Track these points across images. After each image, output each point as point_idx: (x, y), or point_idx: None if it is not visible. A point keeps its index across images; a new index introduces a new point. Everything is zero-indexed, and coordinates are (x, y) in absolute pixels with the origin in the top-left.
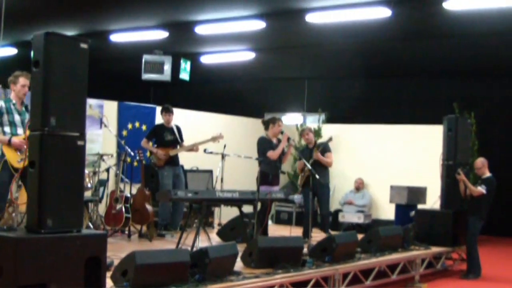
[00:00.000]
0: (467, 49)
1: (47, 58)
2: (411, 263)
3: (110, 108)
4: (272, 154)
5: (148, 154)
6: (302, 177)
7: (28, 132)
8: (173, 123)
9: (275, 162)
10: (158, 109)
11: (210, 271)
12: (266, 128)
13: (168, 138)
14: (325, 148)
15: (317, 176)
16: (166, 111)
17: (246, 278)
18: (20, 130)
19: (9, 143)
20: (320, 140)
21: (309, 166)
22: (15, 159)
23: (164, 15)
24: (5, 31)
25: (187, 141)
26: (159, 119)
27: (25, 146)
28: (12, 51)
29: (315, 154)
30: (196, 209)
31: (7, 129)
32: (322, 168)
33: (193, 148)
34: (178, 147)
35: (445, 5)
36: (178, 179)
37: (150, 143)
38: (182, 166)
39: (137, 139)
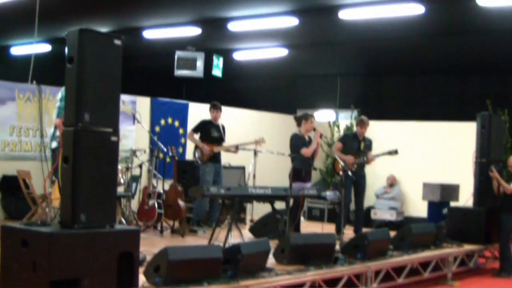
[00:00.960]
0: (501, 45)
1: (81, 54)
2: (444, 261)
3: (143, 104)
4: (306, 152)
5: (180, 150)
6: (350, 164)
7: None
8: (219, 121)
9: (308, 159)
10: (191, 105)
11: (242, 267)
12: (299, 124)
13: (215, 134)
14: (370, 146)
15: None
16: (214, 108)
17: (278, 275)
18: None
19: None
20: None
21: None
22: None
23: (196, 11)
24: (40, 27)
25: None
26: (191, 115)
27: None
28: (46, 47)
29: (370, 157)
30: (228, 205)
31: None
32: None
33: (231, 149)
34: (224, 144)
35: (479, 1)
36: (218, 176)
37: (196, 136)
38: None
39: (170, 135)
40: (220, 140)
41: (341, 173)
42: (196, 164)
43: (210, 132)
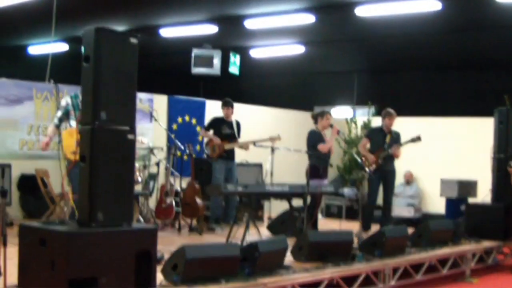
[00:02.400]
0: None
1: (97, 53)
2: (462, 258)
3: (160, 102)
4: (323, 147)
5: (197, 147)
6: (371, 162)
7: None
8: (233, 118)
9: (325, 156)
10: (208, 102)
11: (260, 265)
12: (316, 121)
13: (226, 131)
14: (398, 139)
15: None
16: (226, 105)
17: (296, 272)
18: None
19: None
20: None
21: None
22: (70, 150)
23: (213, 9)
24: (57, 27)
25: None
26: (209, 113)
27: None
28: (64, 46)
29: (396, 150)
30: (246, 203)
31: (73, 123)
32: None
33: (243, 146)
34: (237, 141)
35: None
36: (230, 174)
37: (209, 132)
38: None
39: (187, 132)
40: (232, 137)
41: (367, 170)
42: (210, 162)
43: (221, 129)
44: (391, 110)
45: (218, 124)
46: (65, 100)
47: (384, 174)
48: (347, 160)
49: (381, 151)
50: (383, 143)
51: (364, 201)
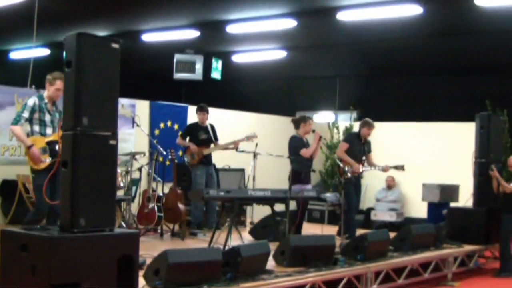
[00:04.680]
0: (499, 45)
1: (79, 58)
2: (444, 262)
3: (142, 107)
4: (306, 152)
5: (180, 153)
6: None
7: (61, 133)
8: (207, 122)
9: (307, 161)
10: (190, 108)
11: (242, 269)
12: (297, 127)
13: (202, 137)
14: (370, 148)
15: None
16: (201, 110)
17: (278, 277)
18: (49, 130)
19: (28, 149)
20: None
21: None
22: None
23: (195, 14)
24: (38, 32)
25: (219, 140)
26: (191, 118)
27: (42, 160)
28: (45, 51)
29: (386, 167)
30: (228, 208)
31: (36, 127)
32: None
33: (229, 146)
34: (212, 146)
35: (477, 2)
36: (211, 178)
37: (186, 140)
38: (214, 165)
39: (169, 138)
40: (209, 141)
41: (345, 177)
42: (189, 168)
43: (198, 135)
44: (371, 121)
45: (194, 131)
46: (33, 100)
47: (357, 181)
48: (329, 165)
49: (360, 161)
50: (360, 151)
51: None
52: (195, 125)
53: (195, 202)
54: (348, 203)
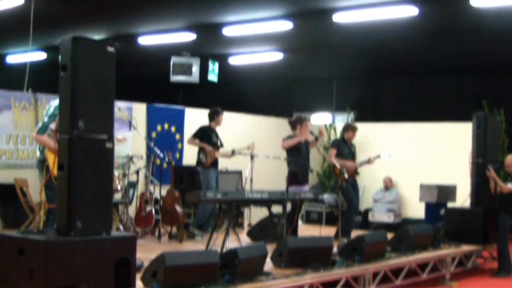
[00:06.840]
0: (496, 46)
1: (74, 62)
2: (442, 262)
3: (139, 110)
4: (284, 144)
5: (177, 155)
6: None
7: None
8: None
9: (304, 162)
10: (187, 110)
11: (239, 272)
12: (293, 128)
13: (215, 140)
14: (355, 151)
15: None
16: (221, 113)
17: (276, 279)
18: None
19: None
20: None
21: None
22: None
23: (191, 17)
24: (35, 36)
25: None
26: (188, 121)
27: None
28: (42, 55)
29: (371, 160)
30: (225, 210)
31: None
32: None
33: (227, 155)
34: (221, 150)
35: (472, 2)
36: (218, 181)
37: (197, 141)
38: None
39: (167, 140)
40: (219, 145)
41: (342, 177)
42: (194, 169)
43: (211, 138)
44: (353, 124)
45: (208, 133)
46: (55, 108)
47: (353, 182)
48: (326, 166)
49: (352, 161)
50: (348, 153)
51: (346, 207)
52: (208, 128)
53: (204, 205)
54: (348, 203)
